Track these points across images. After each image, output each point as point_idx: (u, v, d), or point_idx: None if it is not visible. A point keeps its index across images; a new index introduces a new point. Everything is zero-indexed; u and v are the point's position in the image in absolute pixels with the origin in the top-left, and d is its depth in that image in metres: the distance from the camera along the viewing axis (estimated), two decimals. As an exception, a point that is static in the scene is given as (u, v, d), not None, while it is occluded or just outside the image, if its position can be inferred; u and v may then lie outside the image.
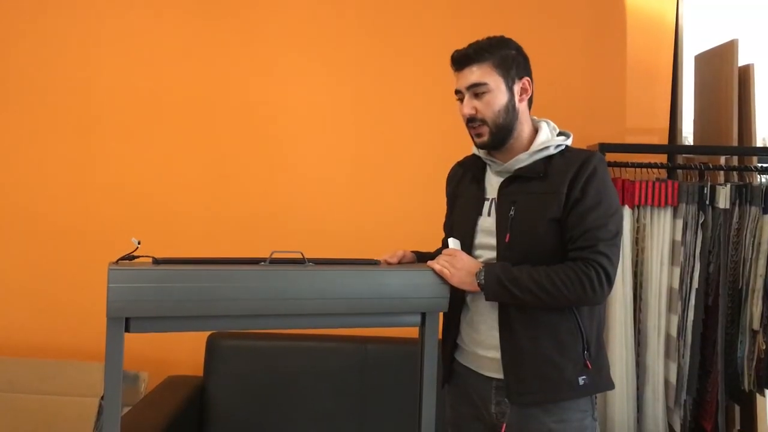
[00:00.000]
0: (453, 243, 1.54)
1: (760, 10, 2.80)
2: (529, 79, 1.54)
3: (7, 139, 2.64)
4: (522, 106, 1.53)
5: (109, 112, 2.63)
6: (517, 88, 1.52)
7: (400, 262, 1.60)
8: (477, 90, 1.49)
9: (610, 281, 1.41)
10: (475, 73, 1.49)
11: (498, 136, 1.51)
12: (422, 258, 1.65)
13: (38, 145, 2.63)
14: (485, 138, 1.51)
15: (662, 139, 2.64)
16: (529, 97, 1.55)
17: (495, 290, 1.43)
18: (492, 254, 1.51)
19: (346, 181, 2.65)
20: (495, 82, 1.49)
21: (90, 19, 2.63)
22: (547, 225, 1.45)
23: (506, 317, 1.47)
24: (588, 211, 1.42)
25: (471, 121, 1.51)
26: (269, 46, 2.65)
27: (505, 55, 1.50)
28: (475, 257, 1.53)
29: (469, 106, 1.50)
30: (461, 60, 1.51)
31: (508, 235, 1.47)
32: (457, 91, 1.54)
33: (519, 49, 1.54)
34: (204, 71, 2.64)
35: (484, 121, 1.50)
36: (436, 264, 1.49)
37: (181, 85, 2.64)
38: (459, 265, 1.47)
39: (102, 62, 2.63)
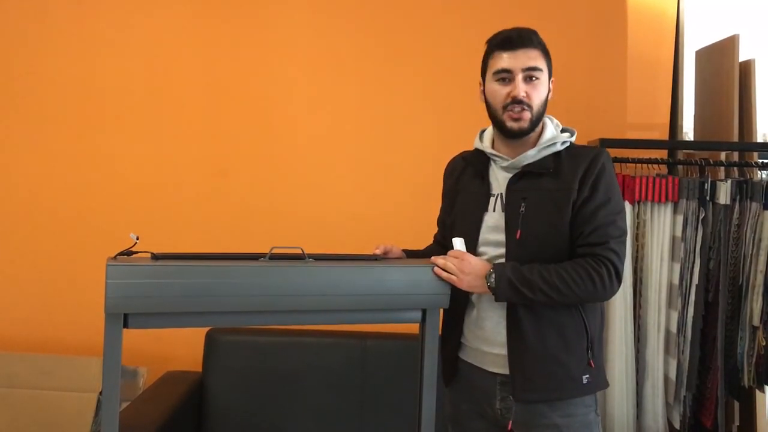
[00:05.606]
0: (458, 243, 1.49)
1: (761, 5, 2.78)
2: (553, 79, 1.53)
3: (7, 137, 2.62)
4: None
5: (109, 109, 2.61)
6: (551, 83, 1.51)
7: (385, 254, 1.57)
8: (533, 74, 1.44)
9: (620, 278, 1.41)
10: (533, 57, 1.44)
11: (533, 125, 1.47)
12: (412, 255, 1.63)
13: (37, 141, 2.61)
14: (525, 124, 1.45)
15: (663, 134, 2.63)
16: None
17: (506, 293, 1.40)
18: (498, 251, 1.48)
19: (347, 177, 2.64)
20: (545, 71, 1.47)
21: (90, 16, 2.61)
22: (560, 222, 1.43)
23: (514, 315, 1.45)
24: (598, 208, 1.42)
25: (517, 103, 1.44)
26: (270, 42, 2.62)
27: (547, 50, 1.49)
28: (480, 254, 1.50)
29: (523, 88, 1.44)
30: (519, 40, 1.45)
31: (519, 232, 1.45)
32: (504, 71, 1.45)
33: None
34: (204, 68, 2.62)
35: (530, 107, 1.44)
36: (443, 272, 1.44)
37: (180, 81, 2.62)
38: (467, 269, 1.43)
39: (102, 59, 2.61)
